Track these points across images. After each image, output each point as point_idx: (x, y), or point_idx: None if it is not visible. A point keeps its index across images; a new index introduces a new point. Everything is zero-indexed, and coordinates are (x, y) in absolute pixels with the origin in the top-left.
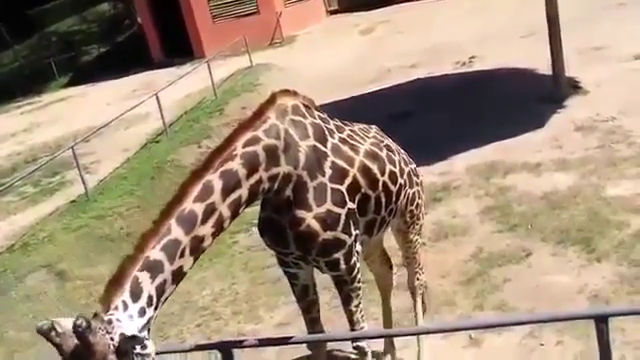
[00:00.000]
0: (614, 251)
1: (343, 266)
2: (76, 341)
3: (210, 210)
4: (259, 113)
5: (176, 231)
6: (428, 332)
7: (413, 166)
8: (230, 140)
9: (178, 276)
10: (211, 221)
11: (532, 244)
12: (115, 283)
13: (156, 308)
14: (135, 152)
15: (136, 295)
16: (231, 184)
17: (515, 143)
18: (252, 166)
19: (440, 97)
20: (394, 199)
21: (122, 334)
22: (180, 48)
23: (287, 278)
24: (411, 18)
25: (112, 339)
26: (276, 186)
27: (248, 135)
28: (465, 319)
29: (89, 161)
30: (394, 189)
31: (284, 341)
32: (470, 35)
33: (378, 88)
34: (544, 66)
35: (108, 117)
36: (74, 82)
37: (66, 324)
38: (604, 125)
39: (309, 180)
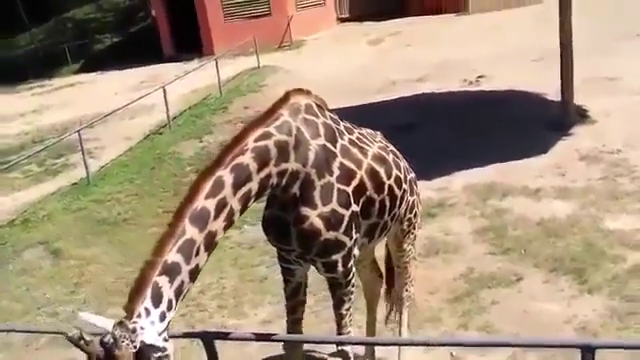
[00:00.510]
0: (607, 285)
1: (340, 268)
2: (102, 350)
3: (222, 205)
4: (272, 110)
5: (190, 231)
6: (412, 344)
7: (413, 175)
8: (242, 136)
9: (194, 274)
10: (222, 215)
11: (524, 269)
12: (137, 290)
13: (175, 309)
14: (138, 142)
15: (157, 301)
16: (242, 178)
17: (516, 166)
18: (263, 160)
19: (444, 113)
20: (398, 204)
21: (142, 342)
22: (190, 44)
23: (283, 274)
24: (422, 32)
25: (135, 347)
26: (284, 182)
27: (260, 131)
28: (450, 335)
29: (93, 146)
30: (399, 194)
31: (267, 337)
32: (480, 54)
33: (382, 99)
34: (553, 92)
35: (115, 105)
36: (85, 69)
37: (98, 324)
38: (609, 157)
39: (317, 179)
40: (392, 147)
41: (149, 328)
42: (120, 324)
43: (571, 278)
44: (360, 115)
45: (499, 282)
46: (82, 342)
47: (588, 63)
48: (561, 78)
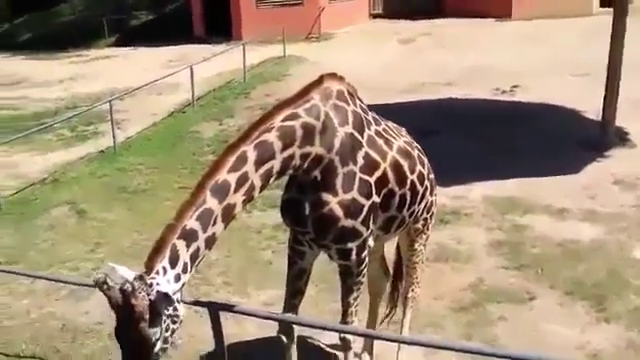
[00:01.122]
0: (627, 315)
1: (354, 257)
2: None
3: (243, 180)
4: (304, 92)
5: (210, 201)
6: (414, 343)
7: (432, 176)
8: (270, 115)
9: (211, 242)
10: (242, 190)
11: (538, 289)
12: (157, 250)
13: (190, 272)
14: (162, 118)
15: (174, 262)
16: (265, 156)
17: (542, 183)
18: (288, 140)
19: (472, 121)
20: (418, 200)
21: (158, 291)
22: (220, 27)
23: (290, 256)
24: (458, 34)
25: (150, 300)
26: (306, 165)
27: (288, 111)
28: (454, 341)
29: (121, 118)
30: (420, 190)
31: (271, 316)
32: (517, 63)
33: (407, 100)
34: (592, 110)
35: (144, 81)
36: (120, 43)
37: (121, 274)
38: None
39: (340, 166)
40: (417, 144)
41: (164, 285)
42: (140, 277)
43: (588, 304)
44: (383, 115)
45: (510, 298)
46: (105, 286)
47: (635, 83)
48: (604, 96)
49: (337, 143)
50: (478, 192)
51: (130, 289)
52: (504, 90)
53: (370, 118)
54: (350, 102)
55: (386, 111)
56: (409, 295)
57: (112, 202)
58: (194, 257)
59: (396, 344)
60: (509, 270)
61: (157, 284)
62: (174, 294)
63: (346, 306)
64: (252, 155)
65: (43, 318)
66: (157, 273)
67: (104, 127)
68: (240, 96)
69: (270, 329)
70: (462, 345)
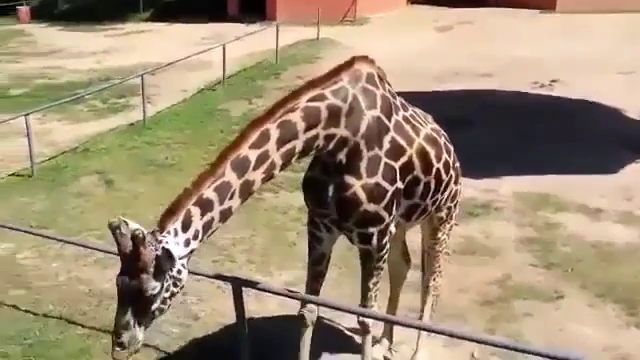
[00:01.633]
0: None
1: (375, 242)
2: (131, 244)
3: (263, 157)
4: (334, 73)
5: (230, 175)
6: (434, 331)
7: (458, 164)
8: (297, 93)
9: (226, 215)
10: (262, 168)
11: (567, 288)
12: (172, 211)
13: (201, 241)
14: (192, 94)
15: (186, 227)
16: (287, 135)
17: (578, 181)
18: (312, 121)
19: (507, 114)
20: (442, 189)
21: (165, 249)
22: (255, 7)
23: (309, 241)
24: (498, 24)
25: (157, 255)
26: (331, 147)
27: (315, 92)
28: (476, 332)
29: (152, 92)
30: (445, 179)
31: (293, 295)
32: (559, 56)
33: (441, 89)
34: (636, 110)
35: (176, 57)
36: (154, 18)
37: (131, 227)
38: None
39: (365, 149)
40: (443, 131)
41: (173, 246)
42: (152, 232)
43: (619, 307)
44: (415, 103)
45: (537, 295)
46: (118, 231)
47: None
48: None
49: (363, 126)
50: (510, 186)
51: (141, 237)
52: (543, 84)
53: (398, 103)
54: (379, 86)
55: (418, 99)
56: (430, 284)
57: (139, 174)
58: (207, 227)
59: (416, 332)
60: (538, 268)
61: (166, 242)
62: (181, 258)
63: (365, 290)
64: (275, 134)
65: (70, 282)
66: (168, 233)
67: (135, 101)
68: (270, 77)
69: (290, 308)
70: (486, 337)
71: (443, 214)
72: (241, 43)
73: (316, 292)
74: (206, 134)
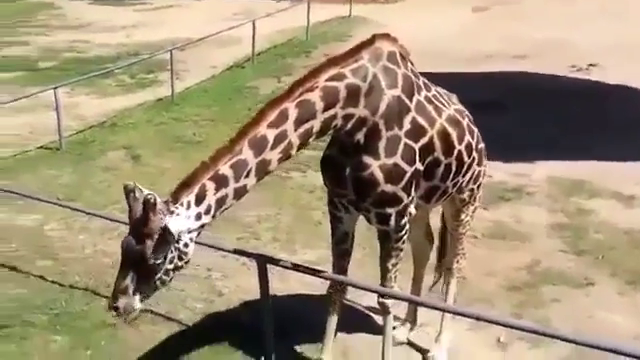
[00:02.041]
0: None
1: (392, 222)
2: (141, 209)
3: (281, 137)
4: (354, 51)
5: (247, 153)
6: (459, 314)
7: (483, 145)
8: (316, 72)
9: (240, 193)
10: (280, 147)
11: (598, 275)
12: (187, 183)
13: (213, 217)
14: (221, 71)
15: (199, 200)
16: (306, 115)
17: (613, 168)
18: (330, 101)
19: (542, 97)
20: (463, 171)
21: (173, 222)
22: None
23: (331, 221)
24: (537, 5)
25: (165, 224)
26: (349, 126)
27: (335, 71)
28: (503, 315)
29: (180, 68)
30: (467, 161)
31: (317, 273)
32: (597, 39)
33: (475, 71)
34: None
35: (205, 32)
36: None
37: (144, 193)
38: None
39: (384, 129)
40: (467, 112)
41: (183, 219)
42: (165, 202)
43: None
44: (447, 84)
45: (566, 282)
46: (132, 195)
47: None
48: None
49: (383, 106)
50: (543, 171)
51: (152, 202)
52: (580, 68)
53: (421, 83)
54: (401, 65)
55: (451, 80)
56: (454, 266)
57: (166, 150)
58: (220, 203)
59: (440, 315)
60: (568, 254)
61: (177, 214)
62: (190, 231)
63: (384, 271)
64: (293, 113)
65: (96, 254)
66: (181, 205)
67: (163, 76)
68: (301, 54)
69: (314, 287)
70: (513, 321)
71: (465, 196)
72: (272, 19)
73: (344, 270)
74: (234, 111)
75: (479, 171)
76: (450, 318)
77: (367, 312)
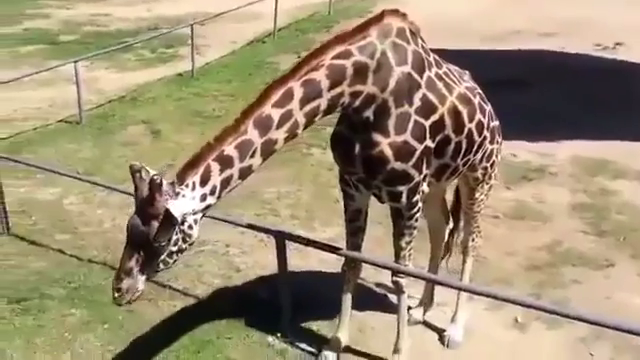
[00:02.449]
0: None
1: (404, 200)
2: (147, 190)
3: (286, 116)
4: (362, 28)
5: (252, 133)
6: (475, 292)
7: (497, 123)
8: (322, 49)
9: (245, 173)
10: (285, 127)
11: (618, 257)
12: (192, 164)
13: (219, 197)
14: (241, 46)
15: (204, 181)
16: (311, 94)
17: (638, 149)
18: (336, 79)
19: (567, 76)
20: (474, 150)
21: (176, 206)
22: None
23: (343, 198)
24: None
25: (170, 205)
26: (357, 104)
27: (341, 48)
28: (521, 295)
29: (200, 43)
30: (477, 139)
31: (335, 250)
32: (624, 18)
33: (500, 48)
34: None
35: (226, 7)
36: None
37: (150, 174)
38: None
39: (394, 106)
40: (479, 90)
41: (188, 200)
42: (171, 183)
43: None
44: (472, 62)
45: (586, 263)
46: (138, 175)
47: None
48: None
49: (392, 83)
50: (567, 151)
51: (158, 183)
52: (606, 46)
53: (432, 59)
54: (411, 41)
55: (476, 58)
56: (469, 245)
57: (186, 125)
58: (225, 183)
59: (456, 294)
60: (589, 235)
61: (182, 195)
62: (195, 213)
63: (398, 249)
64: (298, 92)
65: (114, 229)
66: (186, 186)
67: (184, 51)
68: (322, 30)
69: (332, 265)
70: (530, 301)
71: (479, 174)
72: None
73: (357, 247)
74: (254, 87)
75: (492, 149)
76: (466, 298)
77: (384, 291)
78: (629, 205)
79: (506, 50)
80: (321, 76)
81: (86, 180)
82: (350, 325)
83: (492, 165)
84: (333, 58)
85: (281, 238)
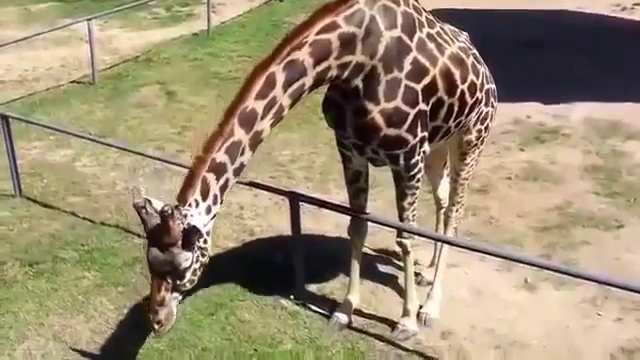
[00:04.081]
0: None
1: (402, 162)
2: (158, 221)
3: (270, 104)
4: None
5: (238, 132)
6: (486, 252)
7: (493, 86)
8: (308, 24)
9: (239, 171)
10: (270, 114)
11: (628, 218)
12: (189, 184)
13: (221, 202)
14: (258, 5)
15: (205, 195)
16: (295, 76)
17: None
18: (322, 55)
19: (582, 37)
20: (466, 111)
21: (189, 224)
22: None
23: (342, 160)
24: None
25: (184, 229)
26: (346, 74)
27: (327, 20)
28: (531, 255)
29: (216, 1)
30: (470, 101)
31: (349, 211)
32: None
33: (513, 8)
34: None
35: None
36: None
37: (155, 205)
38: None
39: (383, 73)
40: (475, 50)
41: (197, 217)
42: (176, 207)
43: None
44: (486, 22)
45: (596, 224)
46: (144, 210)
47: None
48: None
49: (381, 49)
50: (580, 112)
51: (170, 212)
52: (625, 7)
53: (423, 20)
54: (401, 2)
55: (490, 18)
56: (452, 215)
57: (202, 87)
58: (223, 188)
59: (467, 258)
60: (600, 196)
61: (191, 215)
62: (205, 225)
63: (401, 211)
64: (281, 77)
65: (128, 191)
66: (190, 205)
67: (199, 9)
68: None
69: (345, 228)
70: (539, 261)
71: (472, 137)
72: None
73: (362, 209)
74: (271, 47)
75: (487, 112)
76: (443, 272)
77: (396, 253)
78: None
79: (524, 10)
80: (304, 55)
81: (99, 142)
82: (361, 288)
83: (486, 128)
84: (318, 33)
85: (295, 199)
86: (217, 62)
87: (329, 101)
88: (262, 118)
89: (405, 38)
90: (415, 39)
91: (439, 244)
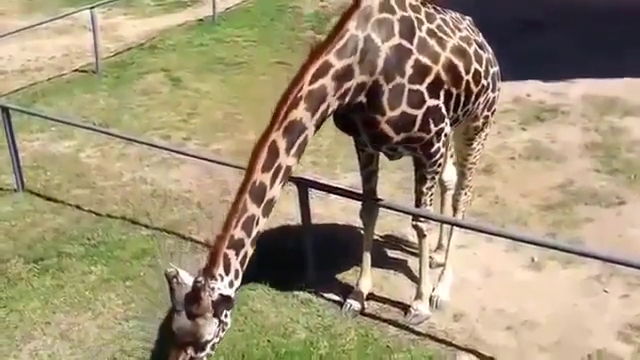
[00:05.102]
0: None
1: (420, 152)
2: (187, 292)
3: (277, 171)
4: (340, 25)
5: (251, 207)
6: (495, 234)
7: (497, 69)
8: (300, 74)
9: (255, 240)
10: (278, 180)
11: (629, 194)
12: (213, 260)
13: (242, 276)
14: None
15: (227, 270)
16: (296, 136)
17: None
18: (318, 104)
19: (583, 17)
20: (473, 99)
21: (221, 294)
22: None
23: (355, 145)
24: None
25: (213, 301)
26: (347, 99)
27: (319, 62)
28: (537, 235)
29: None
30: (475, 90)
31: (356, 196)
32: None
33: None
34: None
35: None
36: None
37: (184, 277)
38: None
39: (385, 83)
40: (478, 36)
41: (224, 290)
42: (205, 280)
43: None
44: (487, 4)
45: (598, 201)
46: (175, 280)
47: None
48: None
49: (381, 63)
50: (579, 90)
51: (202, 283)
52: None
53: (423, 16)
54: (397, 8)
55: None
56: (461, 199)
57: (207, 73)
58: (243, 262)
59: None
60: (601, 173)
61: (218, 288)
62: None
63: (419, 194)
64: (282, 144)
65: (134, 182)
66: (215, 280)
67: None
68: None
69: (355, 213)
70: (546, 241)
71: (480, 123)
72: None
73: (373, 192)
74: (277, 32)
75: (493, 97)
76: (453, 254)
77: (408, 237)
78: (639, 143)
79: None
80: (301, 113)
81: (103, 132)
82: (373, 273)
83: (492, 113)
84: (311, 81)
85: (303, 186)
86: (222, 48)
87: (338, 117)
88: (271, 187)
89: (405, 43)
90: (415, 41)
91: (445, 226)
